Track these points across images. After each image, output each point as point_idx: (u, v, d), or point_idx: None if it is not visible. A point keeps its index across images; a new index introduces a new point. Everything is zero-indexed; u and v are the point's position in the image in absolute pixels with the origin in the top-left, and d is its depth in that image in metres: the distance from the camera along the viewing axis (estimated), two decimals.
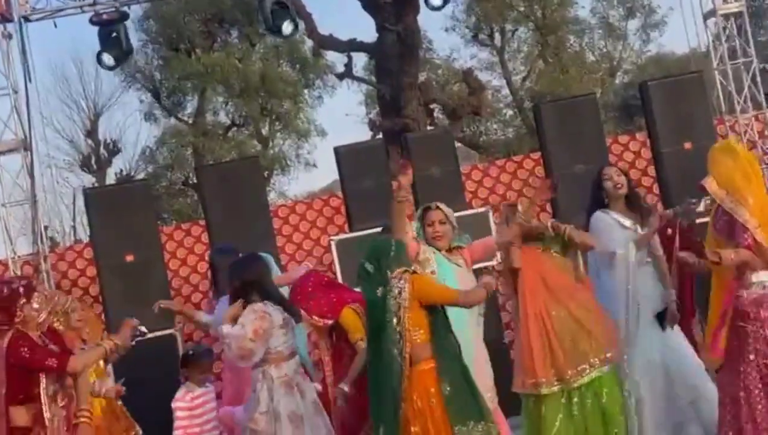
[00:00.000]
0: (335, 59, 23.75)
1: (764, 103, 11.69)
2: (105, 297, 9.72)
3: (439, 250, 6.41)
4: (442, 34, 32.72)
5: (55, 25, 11.33)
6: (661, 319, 6.72)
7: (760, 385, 5.76)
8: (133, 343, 6.30)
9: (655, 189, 10.86)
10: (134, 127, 42.94)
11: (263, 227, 9.78)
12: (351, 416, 6.39)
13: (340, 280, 8.98)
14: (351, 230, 10.02)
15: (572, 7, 26.29)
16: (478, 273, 6.64)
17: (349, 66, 22.07)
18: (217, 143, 24.15)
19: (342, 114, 43.79)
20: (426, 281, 5.76)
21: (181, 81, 24.34)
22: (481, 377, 6.13)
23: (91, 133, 27.08)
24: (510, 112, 26.92)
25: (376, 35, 18.62)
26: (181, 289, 11.47)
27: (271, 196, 23.46)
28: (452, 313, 5.81)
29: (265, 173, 22.43)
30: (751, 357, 5.77)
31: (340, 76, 23.59)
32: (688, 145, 9.87)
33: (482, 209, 10.21)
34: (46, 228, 11.82)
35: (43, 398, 5.39)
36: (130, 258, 9.65)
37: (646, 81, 10.69)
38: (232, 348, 6.01)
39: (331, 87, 25.39)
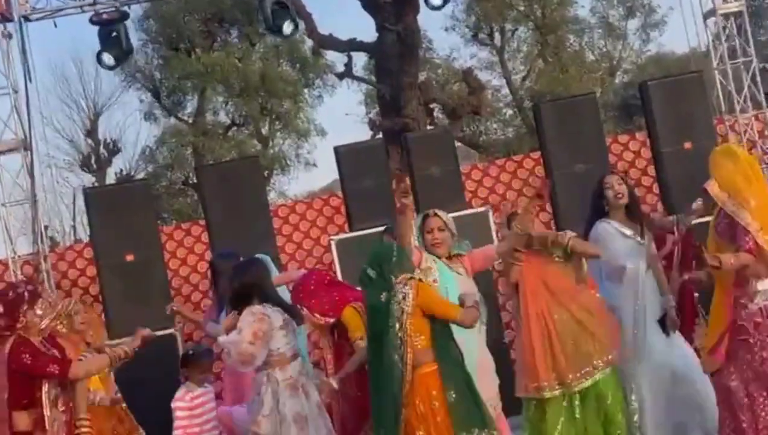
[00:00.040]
0: (335, 59, 23.80)
1: (764, 103, 11.70)
2: (105, 297, 9.72)
3: (439, 258, 6.42)
4: (442, 34, 32.80)
5: (55, 25, 11.35)
6: (662, 324, 6.73)
7: (765, 393, 5.76)
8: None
9: (655, 189, 10.86)
10: (134, 127, 42.97)
11: (263, 227, 9.78)
12: (351, 416, 6.39)
13: (340, 279, 8.98)
14: (351, 230, 10.02)
15: (572, 7, 26.30)
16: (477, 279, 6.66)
17: (349, 66, 22.08)
18: (217, 143, 24.15)
19: (342, 114, 43.81)
20: (430, 293, 5.76)
21: (181, 80, 24.34)
22: (485, 385, 6.15)
23: (91, 132, 27.08)
24: (510, 112, 26.93)
25: (376, 35, 18.63)
26: (181, 288, 11.47)
27: (271, 196, 23.47)
28: None
29: (265, 173, 22.44)
30: (756, 365, 5.76)
31: (340, 76, 23.59)
32: (688, 145, 9.86)
33: (482, 209, 10.20)
34: (46, 228, 11.83)
35: (45, 401, 5.39)
36: (130, 258, 9.65)
37: (645, 80, 10.68)
38: (231, 355, 6.01)
39: (331, 86, 25.43)
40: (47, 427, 5.38)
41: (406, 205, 6.03)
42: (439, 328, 5.68)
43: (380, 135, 19.18)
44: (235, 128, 25.53)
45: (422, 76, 21.91)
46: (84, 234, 25.04)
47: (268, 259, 7.43)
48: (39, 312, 5.51)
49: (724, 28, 11.45)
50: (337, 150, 10.20)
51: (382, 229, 7.46)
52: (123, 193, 10.40)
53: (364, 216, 9.76)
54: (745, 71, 11.51)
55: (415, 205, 10.26)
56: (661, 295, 6.75)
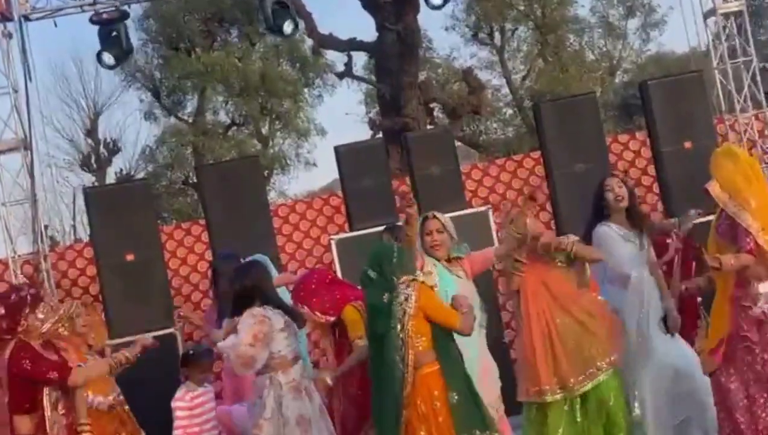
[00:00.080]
0: (335, 58, 23.80)
1: (764, 102, 11.69)
2: (105, 296, 9.72)
3: (438, 260, 6.44)
4: (442, 33, 32.86)
5: (55, 25, 11.34)
6: (664, 323, 6.73)
7: (765, 394, 5.76)
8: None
9: (655, 188, 10.86)
10: (134, 127, 43.06)
11: (263, 226, 9.77)
12: (352, 416, 6.40)
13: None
14: (351, 229, 10.02)
15: (572, 6, 26.30)
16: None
17: (349, 65, 22.09)
18: (217, 142, 24.14)
19: (342, 113, 43.81)
20: (431, 297, 5.77)
21: (181, 80, 24.33)
22: (488, 388, 6.18)
23: (91, 132, 27.08)
24: (510, 111, 26.93)
25: (376, 34, 18.64)
26: (181, 288, 11.48)
27: (271, 196, 23.47)
28: None
29: (265, 172, 22.45)
30: (758, 368, 5.77)
31: (340, 76, 23.60)
32: (688, 145, 9.85)
33: (482, 208, 10.20)
34: (46, 227, 11.83)
35: (46, 404, 5.38)
36: (130, 257, 9.64)
37: (645, 80, 10.68)
38: (231, 358, 6.01)
39: (331, 86, 25.43)
40: (48, 430, 5.37)
41: (411, 214, 6.12)
42: (440, 329, 5.69)
43: (380, 134, 19.17)
44: (235, 128, 25.52)
45: (422, 76, 21.91)
46: (84, 233, 25.06)
47: (266, 259, 7.43)
48: (40, 316, 5.50)
49: (724, 27, 11.45)
50: (337, 149, 10.20)
51: (381, 228, 7.46)
52: (123, 193, 10.39)
53: (364, 215, 9.76)
54: (745, 71, 11.51)
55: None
56: (661, 299, 6.75)
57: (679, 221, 7.30)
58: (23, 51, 10.84)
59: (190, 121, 25.12)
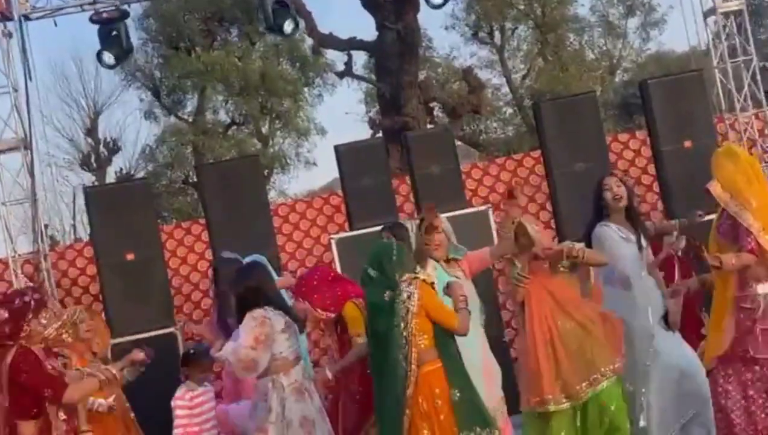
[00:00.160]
0: (335, 57, 23.77)
1: (764, 102, 11.69)
2: (105, 296, 9.73)
3: (437, 261, 6.46)
4: (442, 33, 32.76)
5: (56, 24, 11.35)
6: (665, 321, 6.74)
7: (765, 395, 5.75)
8: (142, 369, 6.42)
9: (655, 187, 10.87)
10: (134, 126, 43.08)
11: (263, 226, 9.78)
12: (352, 414, 6.40)
13: None
14: (351, 229, 10.02)
15: (572, 5, 26.25)
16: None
17: (349, 64, 22.08)
18: (217, 142, 24.13)
19: (342, 112, 43.75)
20: (432, 295, 5.77)
21: (181, 79, 24.31)
22: (491, 392, 6.19)
23: (91, 131, 27.07)
24: (510, 111, 26.90)
25: (376, 33, 18.65)
26: (182, 287, 11.48)
27: (272, 195, 23.46)
28: None
29: (265, 172, 22.42)
30: (756, 368, 5.77)
31: (340, 75, 23.58)
32: (688, 144, 9.86)
33: (482, 208, 10.20)
34: (46, 227, 11.84)
35: (50, 410, 5.36)
36: (130, 256, 9.65)
37: (646, 79, 10.69)
38: (232, 363, 6.01)
39: (331, 85, 25.40)
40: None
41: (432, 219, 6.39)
42: (441, 327, 5.70)
43: (380, 134, 19.18)
44: (235, 127, 25.50)
45: (422, 75, 21.91)
46: (84, 233, 25.06)
47: (264, 260, 7.43)
48: (43, 321, 5.47)
49: (724, 26, 11.45)
50: (338, 149, 10.21)
51: (380, 228, 7.45)
52: (123, 192, 10.40)
53: (364, 215, 9.77)
54: (745, 70, 11.51)
55: (415, 205, 10.35)
56: (662, 295, 6.75)
57: (681, 223, 7.28)
58: (23, 50, 10.84)
59: (190, 120, 25.10)
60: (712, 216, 6.20)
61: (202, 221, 10.97)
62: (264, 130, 25.48)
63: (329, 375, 6.44)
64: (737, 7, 11.42)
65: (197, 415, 7.50)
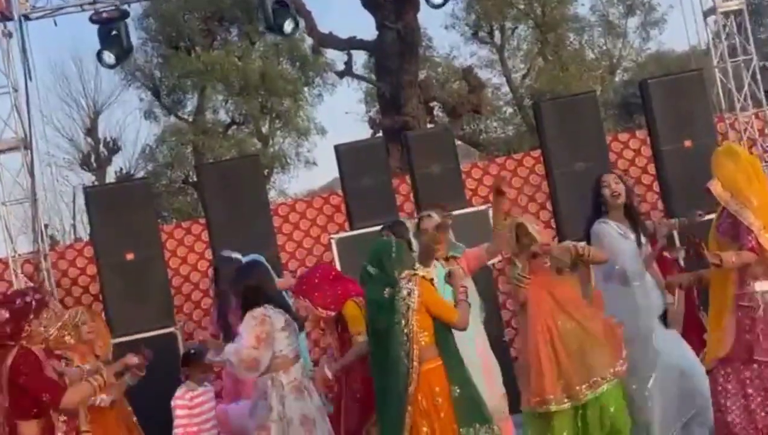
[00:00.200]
0: (335, 57, 23.78)
1: (764, 101, 11.68)
2: (105, 295, 9.72)
3: (437, 260, 6.47)
4: (442, 32, 32.82)
5: (55, 24, 11.34)
6: (663, 319, 6.75)
7: (763, 393, 5.75)
8: (142, 373, 6.43)
9: (655, 187, 10.86)
10: (134, 126, 43.16)
11: (263, 225, 9.78)
12: (354, 413, 6.40)
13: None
14: (351, 228, 10.02)
15: (572, 5, 26.26)
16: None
17: (349, 64, 22.09)
18: (217, 141, 24.13)
19: (342, 112, 43.78)
20: (432, 291, 5.78)
21: (181, 79, 24.31)
22: (492, 390, 6.20)
23: (91, 131, 27.08)
24: (510, 110, 26.90)
25: (376, 33, 18.65)
26: (182, 287, 11.49)
27: (272, 195, 23.47)
28: None
29: (266, 171, 22.42)
30: (755, 366, 5.77)
31: (340, 74, 23.59)
32: (688, 143, 9.86)
33: (483, 207, 10.19)
34: (46, 226, 11.83)
35: (51, 411, 5.36)
36: (130, 256, 9.64)
37: (646, 79, 10.68)
38: (234, 363, 6.02)
39: (331, 85, 25.40)
40: None
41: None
42: (440, 324, 5.70)
43: (380, 133, 19.18)
44: (235, 127, 25.50)
45: (422, 75, 21.91)
46: (84, 233, 25.07)
47: (262, 259, 7.42)
48: (45, 322, 5.46)
49: (724, 26, 11.44)
50: (338, 148, 10.20)
51: (380, 228, 7.46)
52: (123, 192, 10.39)
53: (364, 214, 9.77)
54: (745, 69, 11.50)
55: (415, 204, 10.35)
56: (661, 293, 6.76)
57: (681, 222, 7.29)
58: (23, 50, 10.83)
59: (190, 120, 25.10)
60: (712, 216, 6.20)
61: (202, 221, 10.97)
62: (264, 129, 25.48)
63: (329, 374, 6.45)
64: (737, 7, 11.41)
65: (197, 415, 7.50)
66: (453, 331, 5.79)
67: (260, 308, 6.09)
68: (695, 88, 10.08)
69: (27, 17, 11.05)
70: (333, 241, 9.92)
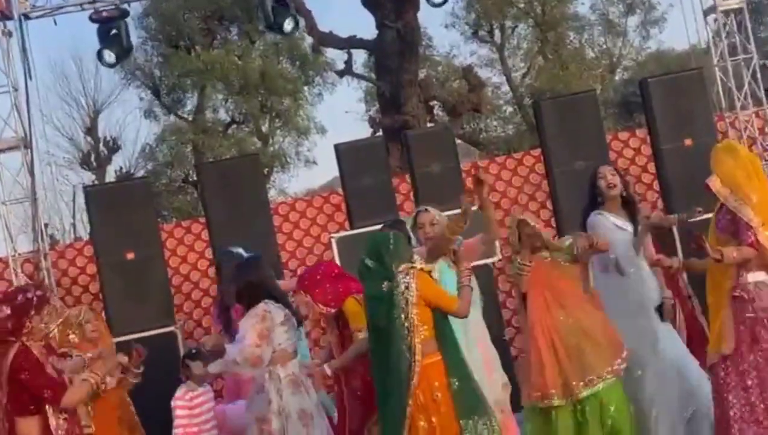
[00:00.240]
0: (335, 56, 23.77)
1: (764, 100, 11.67)
2: (105, 295, 9.72)
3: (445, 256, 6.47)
4: (442, 31, 32.78)
5: (55, 23, 11.32)
6: (659, 312, 6.76)
7: (760, 383, 5.76)
8: (139, 370, 6.44)
9: (656, 186, 10.86)
10: (134, 125, 43.12)
11: (263, 225, 9.78)
12: (356, 411, 6.40)
13: None
14: (351, 227, 10.02)
15: (572, 4, 26.25)
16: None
17: (348, 63, 22.08)
18: (217, 140, 24.12)
19: (342, 111, 43.73)
20: (429, 282, 5.78)
21: (181, 78, 24.30)
22: (493, 382, 6.21)
23: (91, 130, 27.07)
24: (510, 109, 26.89)
25: (376, 32, 18.64)
26: (182, 286, 11.48)
27: (272, 194, 23.47)
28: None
29: (265, 170, 22.41)
30: (752, 358, 5.77)
31: (340, 73, 23.58)
32: (688, 142, 9.85)
33: None
34: (46, 226, 11.82)
35: (48, 408, 5.36)
36: (130, 255, 9.64)
37: (646, 78, 10.67)
38: (238, 362, 6.03)
39: (331, 84, 25.38)
40: (53, 433, 5.35)
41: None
42: (440, 317, 5.71)
43: (380, 132, 19.17)
44: (235, 126, 25.49)
45: (422, 74, 21.90)
46: (84, 232, 25.07)
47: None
48: (46, 319, 5.47)
49: (725, 24, 11.43)
50: (338, 147, 10.20)
51: (380, 227, 7.46)
52: (123, 191, 10.39)
53: (364, 213, 9.76)
54: (745, 68, 11.49)
55: (415, 203, 10.34)
56: (659, 286, 6.78)
57: (680, 218, 7.30)
58: (23, 49, 10.83)
59: (190, 119, 25.10)
60: (709, 215, 6.21)
61: (202, 220, 10.97)
62: (264, 128, 25.48)
63: (328, 371, 6.45)
64: (737, 5, 11.40)
65: (197, 415, 7.51)
66: (453, 326, 5.78)
67: (261, 304, 6.13)
68: (695, 87, 10.08)
69: (27, 16, 11.05)
70: (333, 240, 9.92)
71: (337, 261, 9.68)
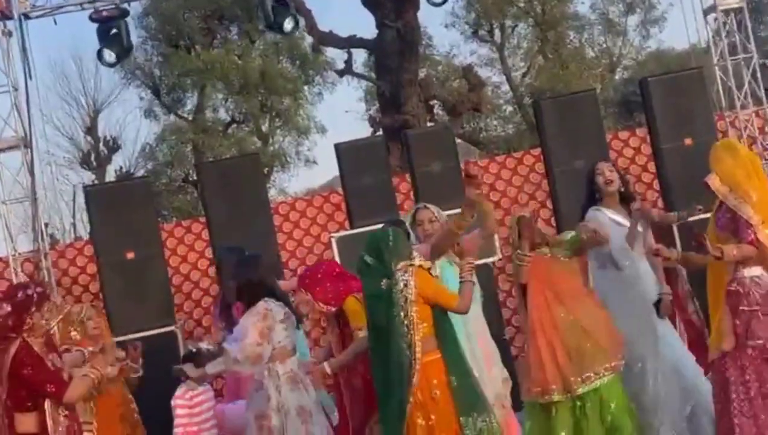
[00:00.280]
0: (335, 56, 23.79)
1: (764, 99, 11.66)
2: (105, 294, 9.72)
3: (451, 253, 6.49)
4: (442, 31, 32.79)
5: (55, 23, 11.31)
6: (656, 308, 6.77)
7: (757, 377, 5.76)
8: (136, 366, 6.44)
9: (656, 185, 10.86)
10: (134, 124, 43.10)
11: (263, 224, 9.78)
12: (357, 410, 6.41)
13: None
14: (351, 227, 10.02)
15: (572, 3, 26.27)
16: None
17: (348, 62, 22.09)
18: (217, 140, 24.12)
19: (342, 110, 43.74)
20: (428, 280, 5.78)
21: (181, 78, 24.31)
22: (493, 376, 6.22)
23: (91, 130, 27.08)
24: (510, 108, 26.90)
25: (376, 32, 18.64)
26: (182, 286, 11.48)
27: (272, 193, 23.46)
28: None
29: (266, 170, 22.41)
30: (749, 352, 5.78)
31: (340, 73, 23.59)
32: (688, 141, 9.86)
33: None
34: (46, 225, 11.82)
35: (46, 405, 5.37)
36: (130, 255, 9.63)
37: (646, 77, 10.67)
38: (241, 360, 6.04)
39: (331, 83, 25.39)
40: (50, 431, 5.35)
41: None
42: (440, 314, 5.71)
43: (380, 132, 19.17)
44: (235, 125, 25.50)
45: (422, 73, 21.91)
46: (84, 231, 25.07)
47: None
48: (46, 315, 5.48)
49: (725, 24, 11.43)
50: (338, 147, 10.21)
51: (380, 226, 7.46)
52: (123, 191, 10.38)
53: (364, 213, 9.76)
54: (745, 67, 11.49)
55: (415, 202, 10.34)
56: (658, 281, 6.79)
57: (680, 216, 7.30)
58: (23, 49, 10.82)
59: (190, 118, 25.10)
60: (708, 214, 6.21)
61: (203, 219, 10.97)
62: (264, 128, 25.48)
63: (328, 370, 6.45)
64: (737, 5, 11.40)
65: (197, 415, 7.50)
66: (453, 322, 5.79)
67: (261, 302, 6.15)
68: (695, 86, 10.08)
69: (27, 16, 11.04)
70: (333, 240, 9.92)
71: (338, 260, 9.69)
